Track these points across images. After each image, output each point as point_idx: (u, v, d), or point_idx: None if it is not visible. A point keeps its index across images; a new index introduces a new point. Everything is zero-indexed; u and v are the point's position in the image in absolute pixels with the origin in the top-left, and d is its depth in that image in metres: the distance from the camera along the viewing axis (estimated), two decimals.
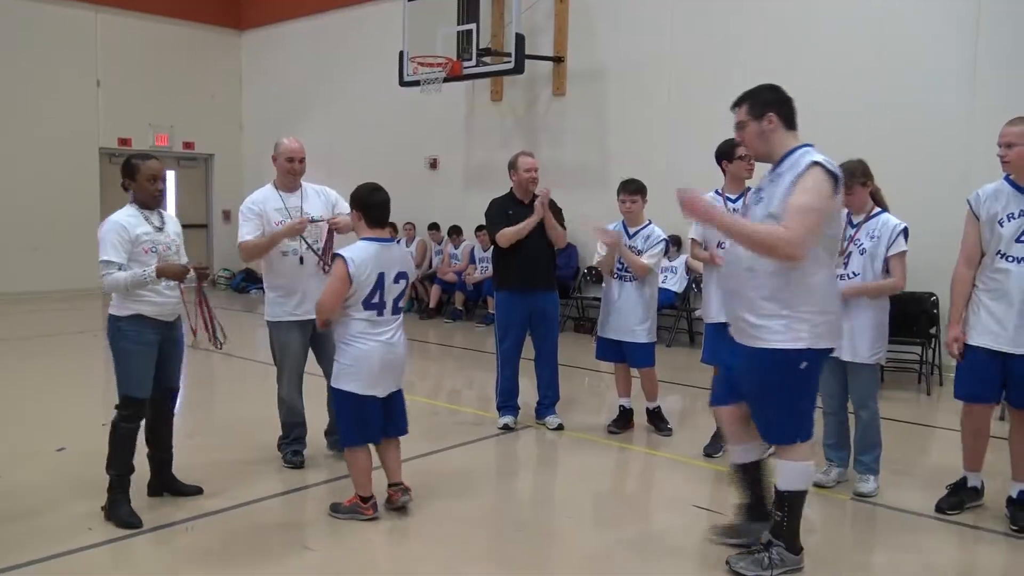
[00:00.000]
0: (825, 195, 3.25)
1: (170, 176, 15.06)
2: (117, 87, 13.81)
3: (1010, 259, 3.97)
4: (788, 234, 3.17)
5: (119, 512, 3.97)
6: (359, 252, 3.95)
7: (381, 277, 3.98)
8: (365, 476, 4.12)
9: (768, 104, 3.40)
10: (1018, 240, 3.94)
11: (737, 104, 3.49)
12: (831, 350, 3.51)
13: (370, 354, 3.99)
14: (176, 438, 5.46)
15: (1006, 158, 3.95)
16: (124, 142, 13.52)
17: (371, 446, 4.15)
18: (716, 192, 5.09)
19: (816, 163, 3.27)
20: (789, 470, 3.45)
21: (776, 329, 3.31)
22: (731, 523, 3.84)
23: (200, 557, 3.72)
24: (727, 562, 3.58)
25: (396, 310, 4.11)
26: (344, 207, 4.78)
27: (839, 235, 3.73)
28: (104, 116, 13.71)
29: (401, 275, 4.09)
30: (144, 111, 14.10)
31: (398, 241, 12.14)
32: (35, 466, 4.88)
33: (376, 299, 3.99)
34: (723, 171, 5.12)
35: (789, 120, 3.41)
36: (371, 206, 4.05)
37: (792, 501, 3.47)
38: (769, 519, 3.58)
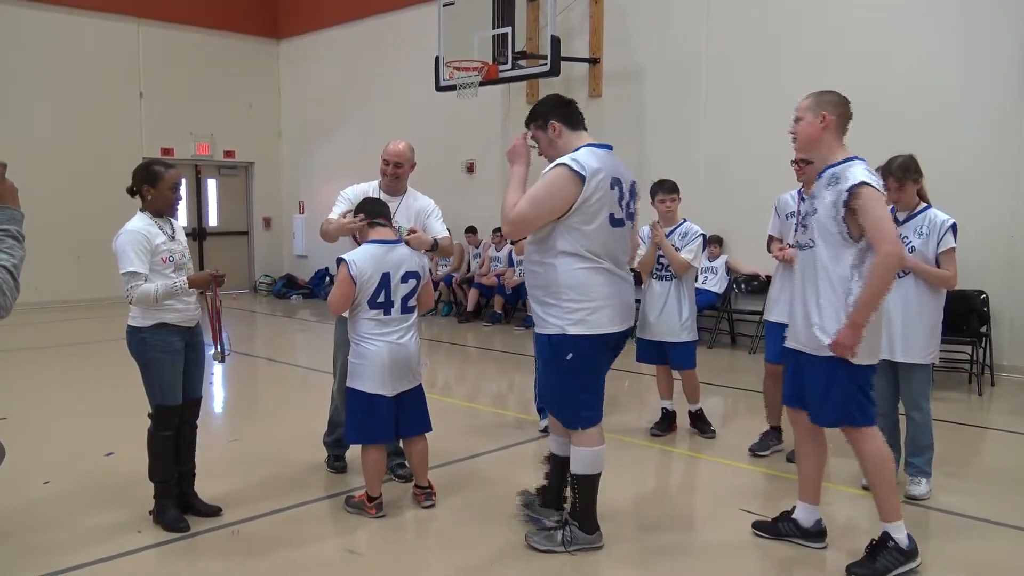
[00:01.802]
0: (554, 188, 3.46)
1: (211, 184, 15.32)
2: (159, 98, 14.07)
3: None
4: (509, 210, 3.49)
5: (166, 517, 4.01)
6: (360, 254, 4.09)
7: (385, 277, 4.06)
8: (373, 475, 4.18)
9: (548, 113, 3.67)
10: (802, 224, 3.63)
11: (527, 124, 3.75)
12: (607, 337, 3.59)
13: (378, 353, 4.06)
14: (218, 442, 5.55)
15: (794, 132, 3.60)
16: (167, 151, 13.76)
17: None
18: (798, 192, 5.10)
19: (560, 163, 3.50)
20: (579, 455, 3.68)
21: (544, 316, 3.62)
22: (529, 497, 4.07)
23: (245, 560, 3.74)
24: (525, 537, 3.82)
25: (406, 309, 4.15)
26: (435, 220, 4.73)
27: (602, 231, 3.54)
28: (147, 126, 13.99)
29: (410, 274, 4.13)
30: (185, 121, 14.35)
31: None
32: (84, 471, 4.96)
33: (381, 299, 4.06)
34: None
35: (571, 122, 3.66)
36: (371, 213, 4.20)
37: (583, 484, 3.71)
38: (558, 509, 3.92)
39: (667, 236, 5.58)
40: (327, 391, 5.01)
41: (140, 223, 3.93)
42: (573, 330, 3.54)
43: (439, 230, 4.71)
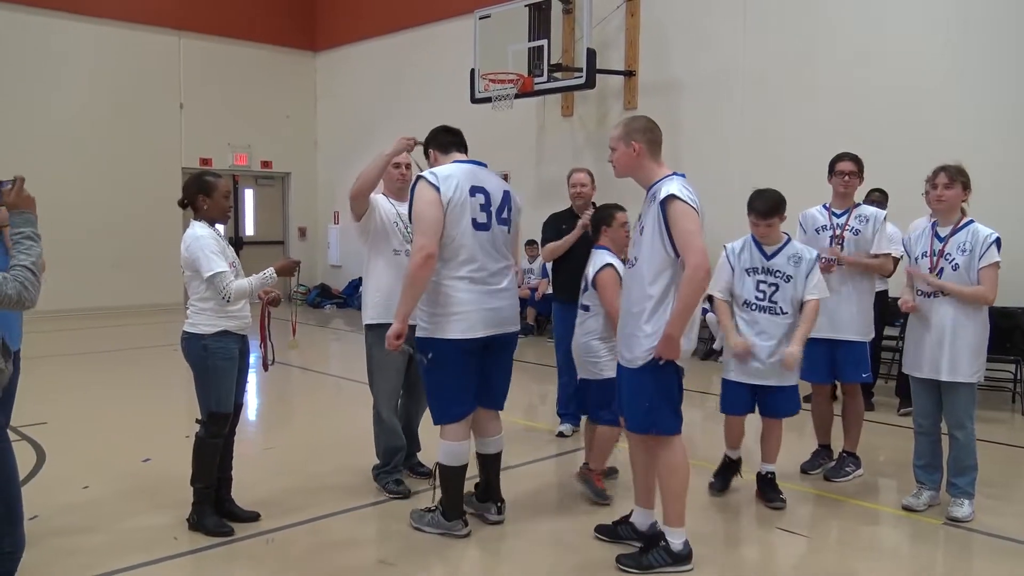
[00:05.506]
0: (426, 201, 3.82)
1: (248, 194, 15.52)
2: (199, 109, 14.30)
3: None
4: (417, 240, 3.82)
5: (208, 522, 4.05)
6: None
7: None
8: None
9: (427, 143, 4.31)
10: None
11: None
12: (466, 342, 3.89)
13: None
14: (253, 450, 5.59)
15: (611, 161, 3.86)
16: (205, 162, 13.96)
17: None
18: (824, 207, 5.12)
19: (418, 177, 3.92)
20: (442, 448, 4.04)
21: (419, 318, 4.01)
22: (470, 496, 4.31)
23: (280, 568, 3.76)
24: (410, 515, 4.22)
25: None
26: None
27: (467, 234, 3.90)
28: (186, 137, 14.22)
29: None
30: (224, 132, 14.57)
31: None
32: (121, 477, 5.02)
33: None
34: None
35: (442, 147, 4.22)
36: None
37: (443, 474, 4.05)
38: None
39: (769, 259, 4.69)
40: (361, 400, 4.98)
41: (204, 230, 4.04)
42: (435, 333, 3.91)
43: None
